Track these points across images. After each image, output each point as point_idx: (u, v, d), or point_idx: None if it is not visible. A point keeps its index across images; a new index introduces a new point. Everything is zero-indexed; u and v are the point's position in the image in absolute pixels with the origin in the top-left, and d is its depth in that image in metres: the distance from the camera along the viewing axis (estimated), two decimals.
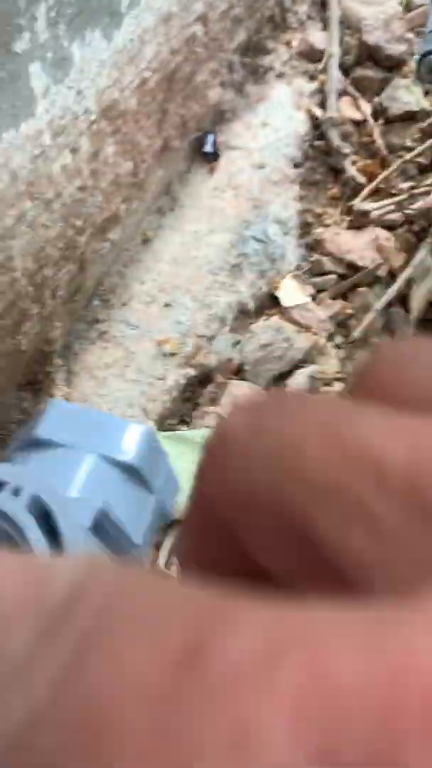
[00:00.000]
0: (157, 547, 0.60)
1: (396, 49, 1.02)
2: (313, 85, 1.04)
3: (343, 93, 1.04)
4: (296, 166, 0.93)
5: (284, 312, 0.77)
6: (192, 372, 0.69)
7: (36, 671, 0.11)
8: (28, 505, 0.37)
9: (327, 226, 0.88)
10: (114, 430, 0.47)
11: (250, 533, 0.14)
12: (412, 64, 0.99)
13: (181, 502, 0.58)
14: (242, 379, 0.71)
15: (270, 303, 0.78)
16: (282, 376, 0.72)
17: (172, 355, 0.69)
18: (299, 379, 0.71)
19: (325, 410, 0.14)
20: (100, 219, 0.70)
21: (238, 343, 0.73)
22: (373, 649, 0.10)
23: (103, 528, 0.40)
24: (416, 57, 0.84)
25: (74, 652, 0.11)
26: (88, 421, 0.47)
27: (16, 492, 0.38)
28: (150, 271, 0.78)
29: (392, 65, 1.03)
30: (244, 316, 0.76)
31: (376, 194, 0.91)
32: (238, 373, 0.71)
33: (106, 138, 0.68)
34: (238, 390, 0.69)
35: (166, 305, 0.73)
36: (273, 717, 0.10)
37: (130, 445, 0.46)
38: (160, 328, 0.71)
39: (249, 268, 0.77)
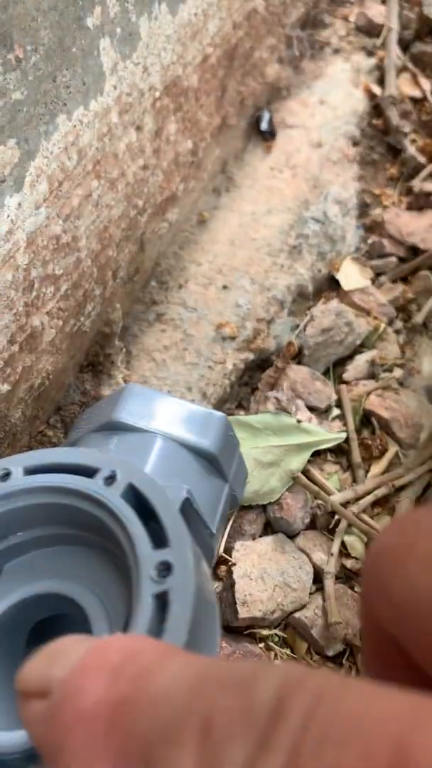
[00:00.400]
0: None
1: None
2: (372, 61, 1.01)
3: (402, 69, 1.01)
4: (355, 144, 0.90)
5: (344, 295, 0.75)
6: (251, 356, 0.68)
7: None
8: (123, 494, 0.37)
9: (386, 207, 0.86)
10: (192, 416, 0.46)
11: (411, 639, 0.15)
12: None
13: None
14: (301, 363, 0.69)
15: (329, 286, 0.77)
16: (341, 361, 0.71)
17: (231, 338, 0.68)
18: (359, 364, 0.70)
19: None
20: (160, 199, 0.69)
21: (297, 326, 0.71)
22: None
23: (186, 517, 0.39)
24: None
25: (288, 763, 0.12)
26: (166, 407, 0.46)
27: (111, 480, 0.37)
28: (207, 252, 0.76)
29: None
30: (303, 300, 0.74)
31: None
32: (297, 357, 0.70)
33: (168, 116, 0.66)
34: (297, 375, 0.68)
35: (224, 287, 0.72)
36: None
37: (208, 432, 0.45)
38: (218, 310, 0.70)
39: (308, 250, 0.76)
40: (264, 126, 0.91)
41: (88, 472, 0.40)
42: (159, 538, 0.35)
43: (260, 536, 0.60)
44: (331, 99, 0.96)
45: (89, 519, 0.39)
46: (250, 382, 0.69)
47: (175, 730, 0.13)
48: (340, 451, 0.66)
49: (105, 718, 0.14)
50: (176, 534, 0.34)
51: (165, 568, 0.33)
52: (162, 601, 0.32)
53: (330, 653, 0.54)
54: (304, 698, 0.12)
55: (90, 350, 0.64)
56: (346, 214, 0.81)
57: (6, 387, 0.51)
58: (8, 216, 0.47)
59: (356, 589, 0.57)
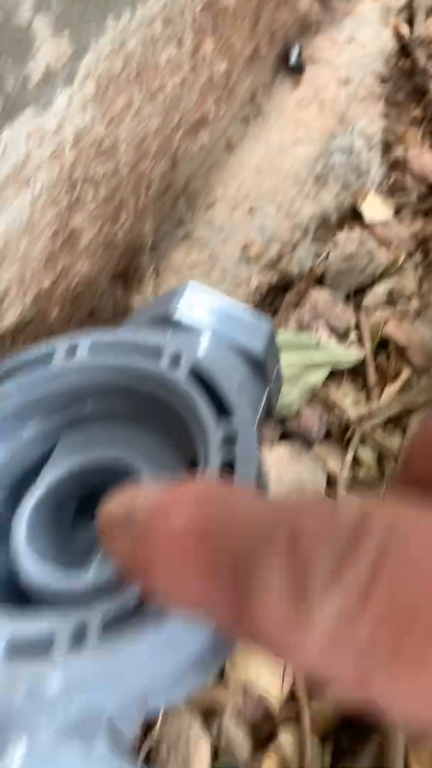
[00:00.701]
0: None
1: None
2: (401, 1, 1.01)
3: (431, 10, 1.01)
4: (382, 82, 0.91)
5: (366, 227, 0.77)
6: (274, 278, 0.70)
7: (343, 581, 0.14)
8: (187, 372, 0.38)
9: (409, 146, 0.87)
10: (242, 318, 0.48)
11: None
12: None
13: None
14: (323, 287, 0.72)
15: (352, 217, 0.78)
16: (361, 290, 0.73)
17: (256, 259, 0.69)
18: (378, 292, 0.72)
19: None
20: (194, 118, 0.70)
21: (319, 253, 0.73)
22: None
23: None
24: None
25: (375, 568, 0.13)
26: (219, 306, 0.48)
27: (175, 359, 0.39)
28: (235, 177, 0.78)
29: None
30: (326, 228, 0.76)
31: None
32: (320, 282, 0.72)
33: (206, 34, 0.67)
34: (319, 298, 0.70)
35: (251, 211, 0.74)
36: None
37: (257, 335, 0.47)
38: (244, 232, 0.72)
39: (334, 181, 0.77)
40: (293, 60, 0.92)
41: (153, 352, 0.41)
42: (222, 412, 0.37)
43: (276, 443, 0.63)
44: (360, 37, 0.96)
45: (151, 396, 0.41)
46: (273, 304, 0.71)
47: (265, 538, 0.14)
48: (356, 373, 0.69)
49: (195, 534, 0.15)
50: (239, 408, 0.36)
51: (229, 439, 0.35)
52: (229, 466, 0.35)
53: None
54: (384, 517, 0.14)
55: (121, 261, 0.65)
56: (371, 149, 0.82)
57: (47, 282, 0.53)
58: (59, 110, 0.48)
59: None
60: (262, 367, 0.48)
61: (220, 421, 0.36)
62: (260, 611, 0.14)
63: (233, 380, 0.38)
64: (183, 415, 0.38)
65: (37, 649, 0.30)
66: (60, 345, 0.44)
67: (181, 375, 0.39)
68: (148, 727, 0.46)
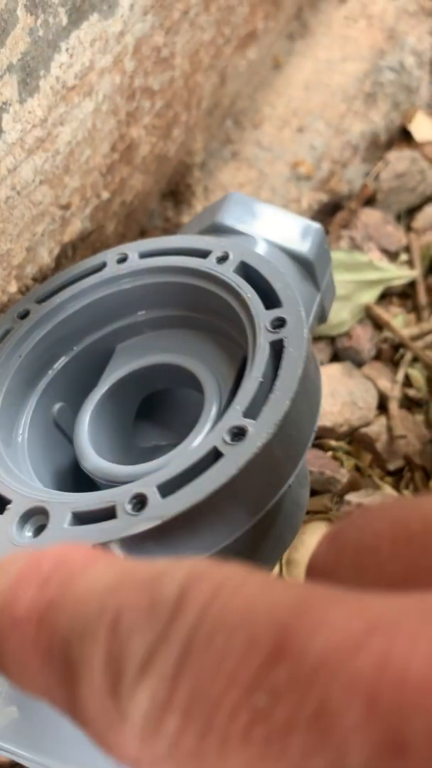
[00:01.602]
0: None
1: None
2: None
3: None
4: None
5: (416, 147, 0.75)
6: (325, 198, 0.69)
7: (154, 670, 0.13)
8: (235, 269, 0.39)
9: None
10: (290, 223, 0.48)
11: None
12: None
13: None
14: (373, 207, 0.71)
15: (401, 137, 0.77)
16: (411, 211, 0.72)
17: (307, 178, 0.69)
18: (429, 213, 0.71)
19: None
20: (243, 32, 0.69)
21: (368, 172, 0.72)
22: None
23: None
24: None
25: (183, 653, 0.12)
26: (266, 213, 0.48)
27: (223, 259, 0.40)
28: (281, 95, 0.76)
29: None
30: (376, 148, 0.75)
31: None
32: (370, 202, 0.71)
33: None
34: (370, 218, 0.69)
35: (299, 130, 0.73)
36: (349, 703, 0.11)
37: (306, 238, 0.48)
38: (292, 151, 0.71)
39: (383, 99, 0.76)
40: None
41: (201, 254, 0.42)
42: (272, 302, 0.38)
43: (327, 364, 0.63)
44: None
45: (202, 297, 0.42)
46: (323, 224, 0.71)
47: (90, 627, 0.14)
48: (406, 295, 0.69)
49: (34, 622, 0.15)
50: (288, 297, 0.37)
51: (279, 323, 0.36)
52: (277, 349, 0.35)
53: (391, 468, 0.58)
54: (203, 591, 0.13)
55: (172, 179, 0.65)
56: (421, 66, 0.80)
57: (106, 195, 0.53)
58: (121, 16, 0.48)
59: (417, 416, 0.61)
60: (312, 271, 0.49)
61: (269, 309, 0.37)
62: (84, 703, 0.14)
63: (282, 276, 0.38)
64: (232, 306, 0.39)
65: (101, 516, 0.32)
66: (111, 254, 0.45)
67: (228, 269, 0.40)
68: None
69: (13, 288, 0.46)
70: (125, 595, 0.14)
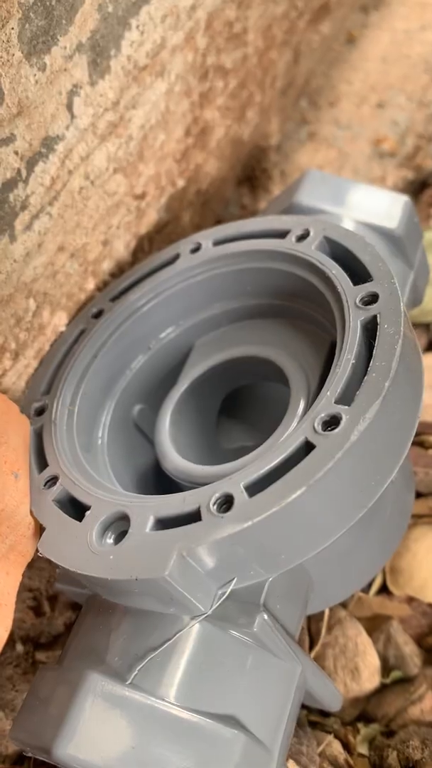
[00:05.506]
0: None
1: None
2: None
3: None
4: None
5: None
6: (410, 175, 0.65)
7: None
8: (317, 246, 0.36)
9: None
10: (376, 198, 0.44)
11: None
12: None
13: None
14: None
15: None
16: None
17: (391, 155, 0.64)
18: None
19: None
20: (317, 5, 0.65)
21: None
22: None
23: None
24: None
25: None
26: (348, 190, 0.45)
27: (303, 237, 0.37)
28: (357, 71, 0.72)
29: None
30: None
31: None
32: None
33: None
34: None
35: (379, 105, 0.68)
36: None
37: (393, 213, 0.44)
38: (373, 128, 0.67)
39: None
40: None
41: (279, 235, 0.39)
42: (361, 277, 0.34)
43: (424, 354, 0.59)
44: None
45: (282, 281, 0.38)
46: None
47: None
48: None
49: None
50: (379, 269, 0.33)
51: (370, 298, 0.32)
52: (371, 327, 0.31)
53: None
54: None
55: (247, 164, 0.62)
56: None
57: (181, 183, 0.50)
58: None
59: None
60: (402, 247, 0.45)
61: (358, 285, 0.33)
62: None
63: (370, 248, 0.34)
64: (315, 286, 0.35)
65: (184, 519, 0.29)
66: (184, 245, 0.42)
67: (309, 246, 0.36)
68: (312, 636, 0.45)
69: (90, 285, 0.44)
70: None
